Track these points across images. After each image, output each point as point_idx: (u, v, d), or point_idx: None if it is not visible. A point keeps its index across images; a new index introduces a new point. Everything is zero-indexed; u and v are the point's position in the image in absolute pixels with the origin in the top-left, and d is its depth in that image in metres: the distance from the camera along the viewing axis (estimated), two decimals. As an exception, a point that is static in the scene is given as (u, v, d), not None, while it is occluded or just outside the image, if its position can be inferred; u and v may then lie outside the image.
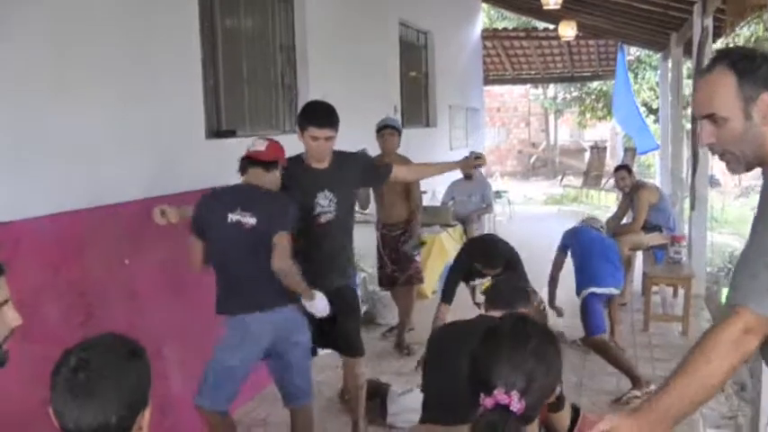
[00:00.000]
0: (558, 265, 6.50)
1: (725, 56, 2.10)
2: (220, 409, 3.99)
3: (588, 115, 25.84)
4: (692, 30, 9.68)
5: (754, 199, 14.70)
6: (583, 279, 6.11)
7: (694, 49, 8.64)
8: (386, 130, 6.56)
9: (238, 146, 5.60)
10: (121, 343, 1.88)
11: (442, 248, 8.80)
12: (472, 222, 9.86)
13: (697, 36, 8.43)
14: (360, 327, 4.80)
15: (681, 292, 8.42)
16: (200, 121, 5.25)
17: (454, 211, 9.77)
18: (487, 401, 1.87)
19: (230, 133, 5.64)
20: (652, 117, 19.97)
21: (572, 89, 26.21)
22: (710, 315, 7.89)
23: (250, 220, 3.87)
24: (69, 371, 1.78)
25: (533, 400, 1.91)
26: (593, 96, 25.03)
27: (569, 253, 6.45)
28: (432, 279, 8.64)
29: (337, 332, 4.52)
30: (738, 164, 2.14)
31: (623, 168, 8.35)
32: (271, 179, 4.06)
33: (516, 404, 1.84)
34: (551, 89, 27.94)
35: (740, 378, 6.04)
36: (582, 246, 6.35)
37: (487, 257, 5.31)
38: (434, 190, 10.82)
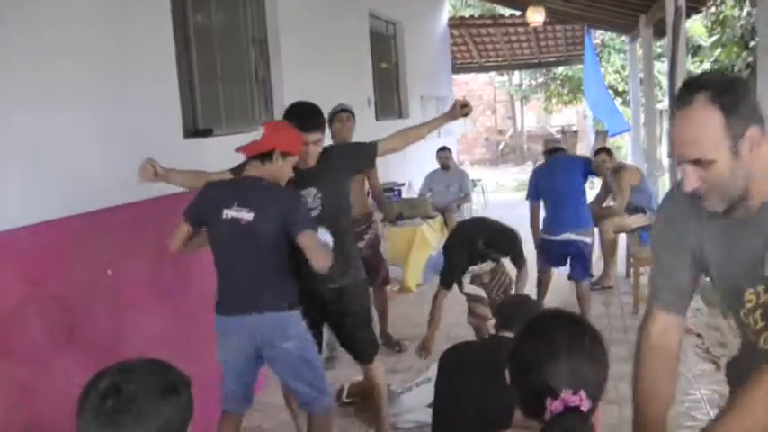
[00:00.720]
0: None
1: (702, 86, 1.94)
2: (232, 409, 3.91)
3: (554, 100, 25.87)
4: (662, 11, 9.64)
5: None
6: None
7: (668, 29, 8.55)
8: (342, 114, 6.01)
9: (216, 145, 5.45)
10: (161, 373, 1.68)
11: (424, 240, 8.68)
12: (452, 212, 9.78)
13: (670, 17, 8.34)
14: (370, 325, 4.53)
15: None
16: (178, 121, 5.07)
17: (433, 203, 9.66)
18: (555, 405, 1.79)
19: (207, 132, 5.46)
20: (619, 99, 19.97)
21: (537, 75, 26.23)
22: (698, 294, 7.84)
23: (246, 216, 3.63)
24: (98, 396, 1.59)
25: (596, 398, 1.86)
26: (559, 82, 25.05)
27: None
28: (415, 272, 8.53)
29: (347, 337, 4.37)
30: (721, 201, 2.02)
31: (604, 151, 8.28)
32: (272, 170, 3.76)
33: (586, 403, 1.79)
34: (516, 76, 27.94)
35: (737, 358, 5.98)
36: None
37: (489, 235, 5.23)
38: (411, 182, 10.72)
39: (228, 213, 3.65)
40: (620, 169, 8.17)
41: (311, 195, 4.14)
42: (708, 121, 1.91)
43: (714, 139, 1.92)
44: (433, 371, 4.82)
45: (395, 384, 5.15)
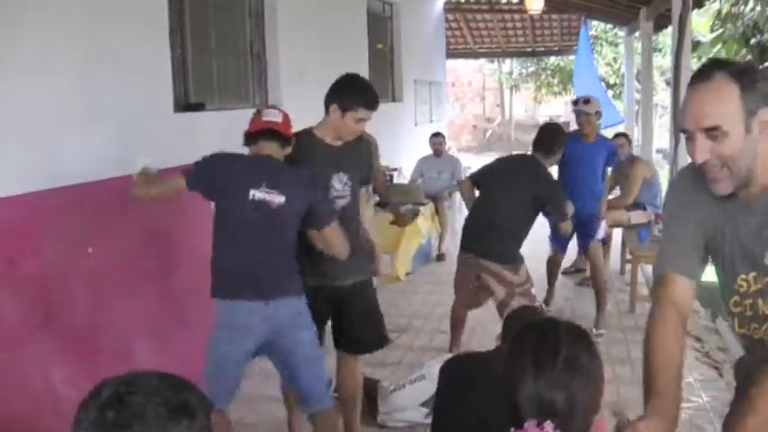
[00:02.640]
0: None
1: (722, 66, 2.02)
2: (222, 407, 3.50)
3: (544, 91, 25.84)
4: (665, 3, 9.46)
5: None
6: None
7: (674, 22, 8.37)
8: None
9: (208, 120, 5.22)
10: (175, 390, 1.39)
11: (415, 228, 8.45)
12: (443, 200, 9.56)
13: (678, 9, 8.15)
14: (378, 326, 4.24)
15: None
16: (168, 94, 4.83)
17: (424, 189, 9.42)
18: None
19: (199, 106, 5.22)
20: (610, 92, 19.84)
21: (528, 64, 26.15)
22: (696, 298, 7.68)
23: (277, 199, 3.36)
24: (97, 407, 1.34)
25: (576, 424, 1.64)
26: (550, 72, 25.02)
27: None
28: (405, 260, 8.32)
29: (353, 334, 4.07)
30: (729, 181, 2.07)
31: (622, 136, 8.04)
32: (283, 157, 3.54)
33: None
34: (507, 64, 27.81)
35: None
36: None
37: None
38: (401, 167, 10.50)
39: (256, 195, 3.35)
40: (634, 160, 7.95)
41: (341, 181, 3.83)
42: (726, 93, 1.99)
43: (731, 111, 1.99)
44: (427, 369, 4.63)
45: (385, 381, 4.92)
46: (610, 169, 7.02)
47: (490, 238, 5.19)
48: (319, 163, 3.76)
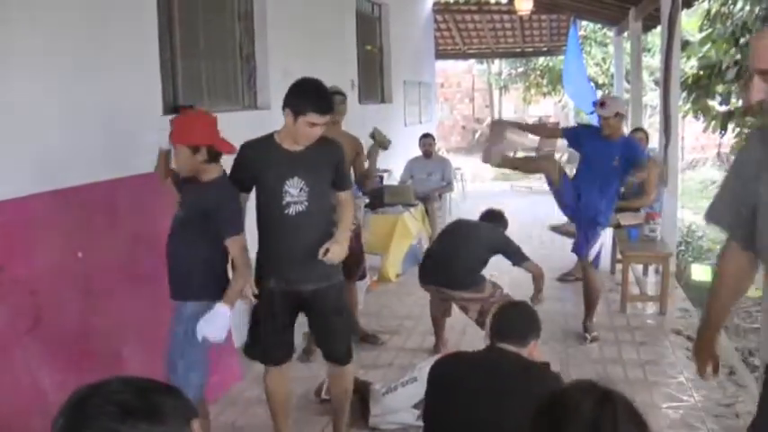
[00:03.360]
0: None
1: None
2: None
3: (533, 91, 25.80)
4: (654, 3, 9.47)
5: (701, 172, 14.79)
6: None
7: (663, 22, 8.38)
8: (336, 96, 5.48)
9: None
10: (137, 394, 1.34)
11: (405, 229, 8.45)
12: (433, 201, 9.56)
13: (667, 8, 8.15)
14: (349, 330, 4.26)
15: (650, 269, 8.24)
16: (157, 96, 4.81)
17: (414, 190, 9.40)
18: None
19: (188, 109, 5.16)
20: (599, 92, 19.84)
21: (518, 65, 26.12)
22: (684, 294, 7.69)
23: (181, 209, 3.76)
24: (61, 412, 1.33)
25: None
26: (539, 72, 24.97)
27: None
28: (395, 261, 8.29)
29: (321, 338, 4.10)
30: None
31: (641, 130, 7.96)
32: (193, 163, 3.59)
33: None
34: (497, 64, 27.77)
35: (729, 362, 5.82)
36: None
37: None
38: (392, 169, 10.47)
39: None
40: (651, 160, 7.63)
41: (296, 186, 3.76)
42: None
43: None
44: (419, 371, 4.59)
45: (377, 383, 4.89)
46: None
47: (448, 271, 5.62)
48: (273, 167, 3.76)
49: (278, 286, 3.82)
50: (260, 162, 3.75)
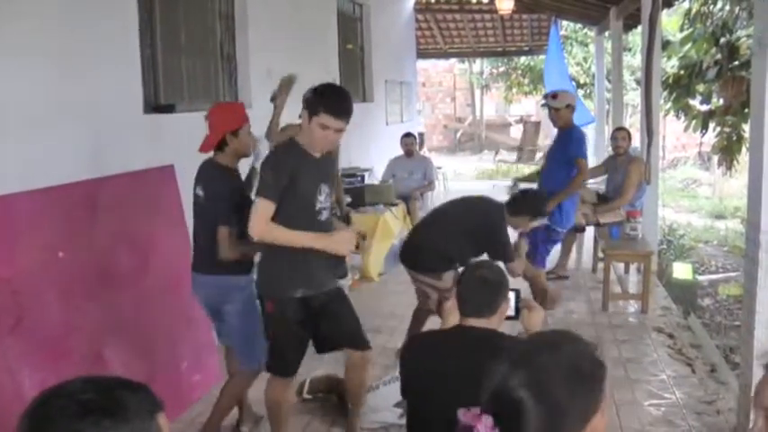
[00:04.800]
0: None
1: None
2: None
3: (515, 90, 25.86)
4: (635, 3, 9.51)
5: (682, 171, 14.96)
6: None
7: (644, 22, 8.42)
8: None
9: (177, 122, 5.16)
10: (99, 393, 1.33)
11: (387, 229, 8.43)
12: (415, 200, 9.55)
13: (647, 8, 8.18)
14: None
15: (632, 268, 8.27)
16: (138, 95, 4.78)
17: (395, 190, 9.39)
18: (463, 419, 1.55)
19: (169, 108, 5.15)
20: (580, 92, 19.92)
21: (499, 64, 26.17)
22: (665, 292, 7.72)
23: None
24: (24, 414, 1.32)
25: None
26: (520, 71, 25.04)
27: None
28: (377, 261, 8.28)
29: (343, 329, 3.98)
30: None
31: (624, 129, 8.02)
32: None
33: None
34: (478, 64, 27.83)
35: (710, 359, 5.86)
36: None
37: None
38: (373, 168, 10.47)
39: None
40: (633, 160, 7.74)
41: (324, 193, 3.75)
42: None
43: None
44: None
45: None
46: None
47: (414, 250, 5.43)
48: (307, 173, 3.67)
49: (306, 294, 3.73)
50: (296, 168, 3.62)
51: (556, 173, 6.72)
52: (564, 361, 1.56)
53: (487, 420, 1.50)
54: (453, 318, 2.88)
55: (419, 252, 5.32)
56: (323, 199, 3.74)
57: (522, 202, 5.44)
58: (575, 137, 6.82)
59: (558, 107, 6.67)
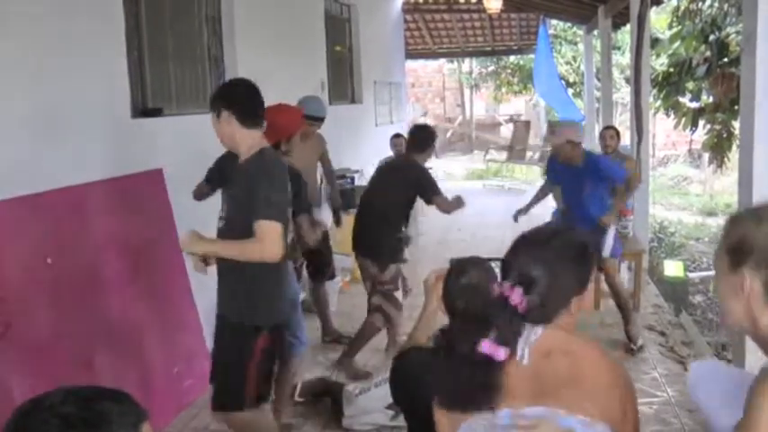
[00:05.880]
0: None
1: None
2: None
3: (504, 89, 25.85)
4: (623, 2, 9.52)
5: (672, 168, 14.94)
6: None
7: (633, 20, 8.43)
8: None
9: (166, 126, 5.13)
10: (80, 404, 1.32)
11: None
12: (407, 201, 9.48)
13: (636, 6, 8.20)
14: None
15: (623, 266, 8.25)
16: (126, 99, 4.74)
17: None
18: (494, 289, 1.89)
19: (157, 112, 5.12)
20: (570, 90, 19.94)
21: (488, 64, 26.15)
22: (657, 290, 7.73)
23: None
24: (4, 429, 1.30)
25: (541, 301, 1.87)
26: (510, 71, 25.03)
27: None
28: (368, 263, 8.23)
29: None
30: None
31: (612, 128, 7.94)
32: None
33: (517, 298, 1.83)
34: (467, 63, 27.81)
35: (702, 356, 5.86)
36: None
37: None
38: (363, 169, 10.44)
39: None
40: (626, 159, 7.51)
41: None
42: None
43: None
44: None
45: (350, 384, 4.87)
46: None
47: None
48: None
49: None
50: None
51: (596, 200, 5.91)
52: (570, 244, 1.97)
53: (518, 289, 1.84)
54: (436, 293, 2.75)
55: (360, 232, 5.54)
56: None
57: (421, 137, 5.68)
58: (597, 167, 5.83)
59: (558, 144, 5.70)
